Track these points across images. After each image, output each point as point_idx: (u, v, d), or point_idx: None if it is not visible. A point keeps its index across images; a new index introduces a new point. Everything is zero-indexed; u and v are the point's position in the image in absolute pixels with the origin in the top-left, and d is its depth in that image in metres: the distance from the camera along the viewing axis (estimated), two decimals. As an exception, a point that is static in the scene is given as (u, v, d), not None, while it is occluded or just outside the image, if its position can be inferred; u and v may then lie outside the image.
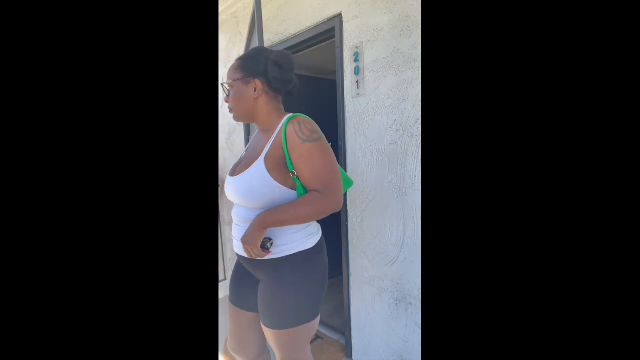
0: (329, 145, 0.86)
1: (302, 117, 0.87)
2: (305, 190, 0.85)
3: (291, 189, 0.86)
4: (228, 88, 0.91)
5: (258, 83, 0.89)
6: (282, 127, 0.86)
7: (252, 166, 0.87)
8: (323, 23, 1.77)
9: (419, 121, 1.41)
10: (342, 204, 0.82)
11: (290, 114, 0.90)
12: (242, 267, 1.06)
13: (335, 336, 2.27)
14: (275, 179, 0.84)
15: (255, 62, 0.89)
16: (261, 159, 0.86)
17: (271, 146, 0.86)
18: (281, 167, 0.85)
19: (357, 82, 1.62)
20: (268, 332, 0.96)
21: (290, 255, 0.92)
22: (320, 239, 0.98)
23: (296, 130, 0.83)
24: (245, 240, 0.85)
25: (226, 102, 0.93)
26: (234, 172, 0.95)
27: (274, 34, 2.06)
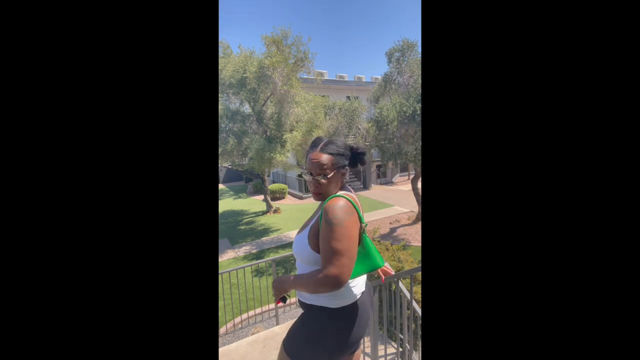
0: (353, 227, 0.97)
1: (337, 197, 1.01)
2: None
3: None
4: (323, 179, 1.06)
5: (346, 170, 1.10)
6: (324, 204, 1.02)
7: (302, 232, 1.08)
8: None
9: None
10: (338, 284, 0.91)
11: (335, 193, 1.05)
12: None
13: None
14: (312, 247, 1.02)
15: (339, 154, 1.07)
16: (308, 228, 1.05)
17: (316, 220, 1.04)
18: (317, 238, 1.01)
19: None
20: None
21: (311, 304, 1.06)
22: (349, 306, 1.04)
23: (326, 211, 0.97)
24: (273, 287, 1.11)
25: (315, 187, 1.07)
26: (300, 229, 1.13)
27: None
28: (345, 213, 0.96)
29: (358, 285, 1.09)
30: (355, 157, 1.10)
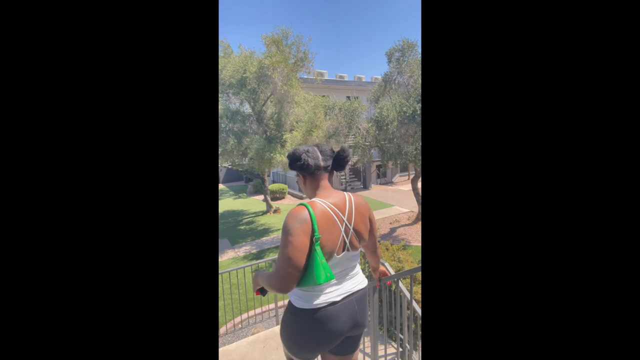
0: (302, 237, 0.99)
1: (299, 207, 1.05)
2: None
3: None
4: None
5: (300, 175, 1.18)
6: None
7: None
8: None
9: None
10: (281, 289, 0.99)
11: (312, 197, 1.12)
12: None
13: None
14: None
15: (292, 162, 1.16)
16: None
17: None
18: None
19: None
20: None
21: (289, 299, 1.15)
22: (311, 310, 1.07)
23: (285, 217, 1.04)
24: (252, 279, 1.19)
25: None
26: None
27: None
28: (295, 222, 0.99)
29: (328, 294, 1.08)
30: (299, 165, 1.13)
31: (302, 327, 1.08)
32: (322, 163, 1.13)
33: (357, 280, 1.16)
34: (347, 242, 1.09)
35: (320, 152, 1.15)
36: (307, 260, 1.00)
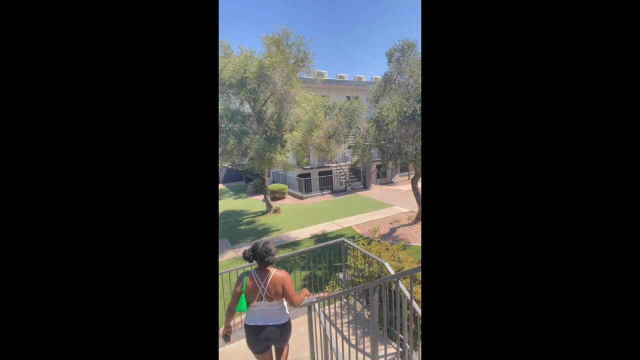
0: (238, 287, 2.04)
1: (242, 273, 2.06)
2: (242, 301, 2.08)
3: None
4: None
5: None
6: None
7: None
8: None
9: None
10: (230, 310, 2.05)
11: (247, 269, 2.18)
12: None
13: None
14: None
15: (243, 256, 2.13)
16: None
17: None
18: None
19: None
20: None
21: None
22: (246, 326, 2.08)
23: None
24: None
25: None
26: None
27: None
28: (238, 280, 2.06)
29: (255, 320, 2.04)
30: (245, 257, 2.12)
31: (246, 334, 2.08)
32: (257, 258, 2.06)
33: (275, 318, 2.06)
34: (263, 296, 2.00)
35: (261, 250, 2.06)
36: (239, 299, 2.00)
